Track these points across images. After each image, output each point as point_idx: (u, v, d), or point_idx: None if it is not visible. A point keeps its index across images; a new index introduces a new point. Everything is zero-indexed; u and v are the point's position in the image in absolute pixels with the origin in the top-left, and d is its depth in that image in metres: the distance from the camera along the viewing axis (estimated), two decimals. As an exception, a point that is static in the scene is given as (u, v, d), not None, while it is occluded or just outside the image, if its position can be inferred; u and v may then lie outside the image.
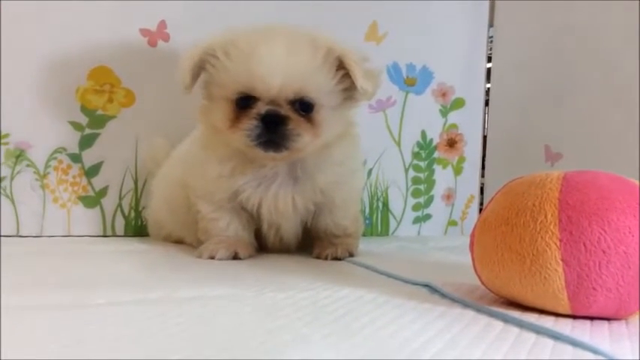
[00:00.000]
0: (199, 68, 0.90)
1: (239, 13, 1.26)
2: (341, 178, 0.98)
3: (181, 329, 0.50)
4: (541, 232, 0.55)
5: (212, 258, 0.94)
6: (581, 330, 0.53)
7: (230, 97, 0.88)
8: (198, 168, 0.98)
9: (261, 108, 0.86)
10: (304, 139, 0.87)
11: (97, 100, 1.21)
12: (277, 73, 0.85)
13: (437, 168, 1.49)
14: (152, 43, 1.24)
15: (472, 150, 1.52)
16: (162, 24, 1.24)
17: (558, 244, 0.54)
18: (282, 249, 1.04)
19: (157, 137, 1.23)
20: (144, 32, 1.23)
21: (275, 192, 0.94)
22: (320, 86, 0.88)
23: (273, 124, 0.85)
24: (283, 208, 0.96)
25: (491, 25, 1.55)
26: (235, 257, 0.94)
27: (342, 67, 0.89)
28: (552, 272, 0.54)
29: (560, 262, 0.54)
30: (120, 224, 1.25)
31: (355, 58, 0.89)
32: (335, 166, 0.96)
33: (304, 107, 0.88)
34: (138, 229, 1.26)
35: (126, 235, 1.25)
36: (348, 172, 1.00)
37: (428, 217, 1.49)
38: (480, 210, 1.51)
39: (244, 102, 0.87)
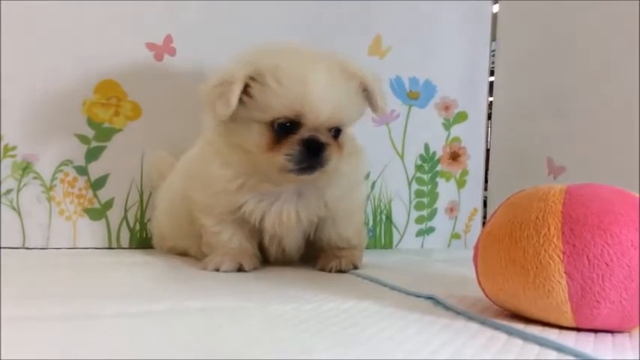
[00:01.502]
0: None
1: (244, 28, 1.27)
2: (345, 192, 0.99)
3: (187, 341, 0.51)
4: (544, 244, 0.55)
5: (217, 270, 0.94)
6: (584, 342, 0.53)
7: (270, 121, 0.88)
8: (199, 182, 0.99)
9: (304, 134, 0.87)
10: (333, 162, 0.90)
11: (104, 113, 1.23)
12: (327, 103, 0.87)
13: (440, 181, 1.49)
14: (158, 57, 1.25)
15: (475, 163, 1.53)
16: (169, 38, 1.26)
17: (561, 256, 0.54)
18: (285, 261, 1.04)
19: (160, 150, 1.24)
20: (150, 46, 1.25)
21: (279, 207, 0.95)
22: (352, 114, 0.93)
23: (315, 150, 0.87)
24: (287, 222, 0.96)
25: (493, 39, 1.56)
26: (240, 269, 0.95)
27: (362, 91, 0.93)
28: (556, 285, 0.54)
29: (564, 275, 0.54)
30: (125, 236, 1.25)
31: (378, 84, 0.94)
32: (341, 179, 0.97)
33: (336, 133, 0.91)
34: (143, 242, 1.26)
35: (131, 247, 1.25)
36: (352, 185, 1.01)
37: (431, 229, 1.49)
38: (483, 223, 1.51)
39: (286, 127, 0.88)
